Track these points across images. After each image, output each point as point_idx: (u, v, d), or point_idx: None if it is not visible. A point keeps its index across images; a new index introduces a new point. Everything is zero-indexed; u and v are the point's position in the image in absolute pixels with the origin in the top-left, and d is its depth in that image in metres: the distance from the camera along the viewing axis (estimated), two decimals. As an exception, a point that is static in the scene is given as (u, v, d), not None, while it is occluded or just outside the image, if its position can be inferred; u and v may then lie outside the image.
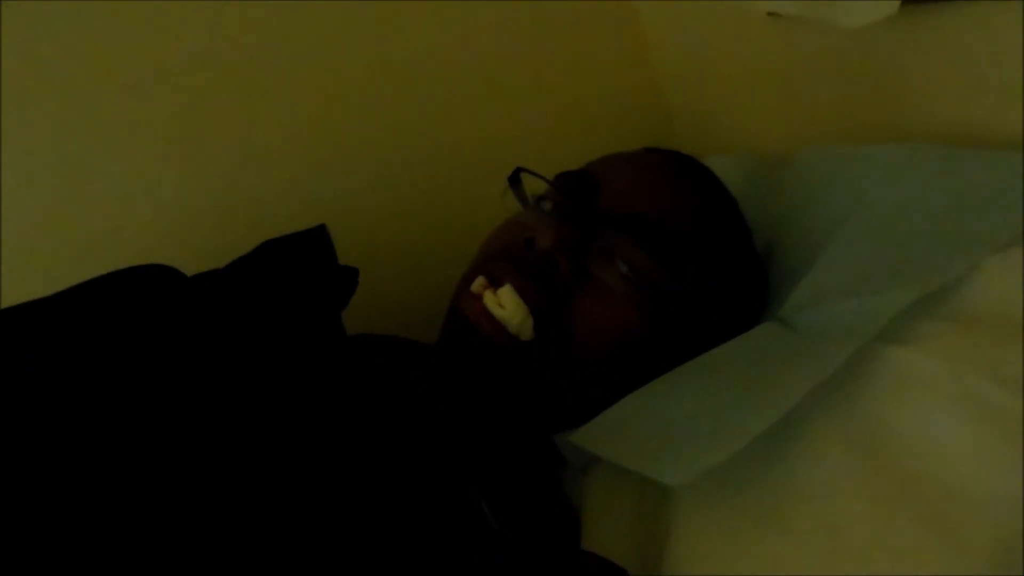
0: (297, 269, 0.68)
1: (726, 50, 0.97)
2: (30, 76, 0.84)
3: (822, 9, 0.75)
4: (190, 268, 0.68)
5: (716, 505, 0.52)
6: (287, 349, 0.61)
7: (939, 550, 0.46)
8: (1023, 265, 0.55)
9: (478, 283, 0.65)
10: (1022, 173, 0.60)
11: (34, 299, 0.61)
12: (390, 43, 0.97)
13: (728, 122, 1.03)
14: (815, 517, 0.49)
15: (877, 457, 0.50)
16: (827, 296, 0.63)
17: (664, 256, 0.65)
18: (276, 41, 0.92)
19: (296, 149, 0.94)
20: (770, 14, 0.87)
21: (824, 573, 0.47)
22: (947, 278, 0.58)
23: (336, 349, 0.63)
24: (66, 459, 0.50)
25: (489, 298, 0.64)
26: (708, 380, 0.60)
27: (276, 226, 0.73)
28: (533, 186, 0.72)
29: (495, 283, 0.65)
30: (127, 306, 0.61)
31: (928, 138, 0.76)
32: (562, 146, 1.02)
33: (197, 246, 0.87)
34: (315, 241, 0.70)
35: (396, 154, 0.98)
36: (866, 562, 0.46)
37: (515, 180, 0.71)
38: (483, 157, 1.00)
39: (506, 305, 0.63)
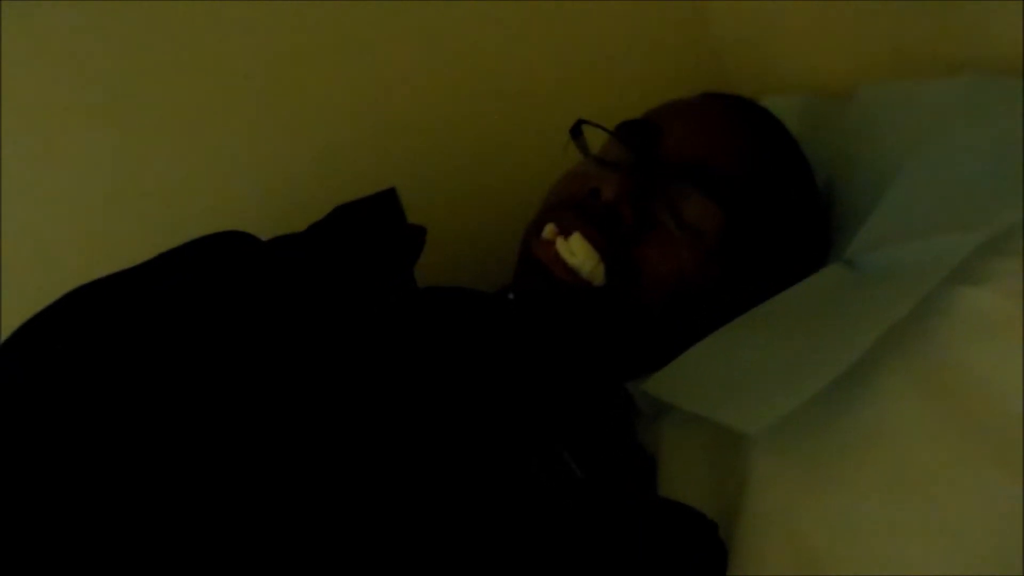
0: (369, 230, 0.70)
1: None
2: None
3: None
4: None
5: (789, 451, 0.54)
6: (366, 307, 0.64)
7: (1017, 490, 0.46)
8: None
9: (548, 230, 0.67)
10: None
11: (116, 272, 0.64)
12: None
13: (781, 59, 1.01)
14: (889, 461, 0.50)
15: (951, 399, 0.51)
16: (893, 237, 0.63)
17: (727, 203, 0.66)
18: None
19: (359, 106, 0.95)
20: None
21: (898, 518, 0.48)
22: (1016, 217, 0.57)
23: (411, 304, 0.65)
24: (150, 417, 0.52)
25: (561, 245, 0.66)
26: (778, 326, 0.61)
27: (343, 186, 0.74)
28: (593, 135, 0.73)
29: (564, 231, 0.66)
30: (209, 274, 0.64)
31: (999, 70, 0.74)
32: (611, 88, 1.03)
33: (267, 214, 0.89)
34: (385, 203, 0.72)
35: (450, 108, 0.98)
36: (942, 506, 0.47)
37: (576, 131, 0.71)
38: (535, 103, 1.00)
39: (577, 252, 0.65)
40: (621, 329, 0.67)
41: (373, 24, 0.94)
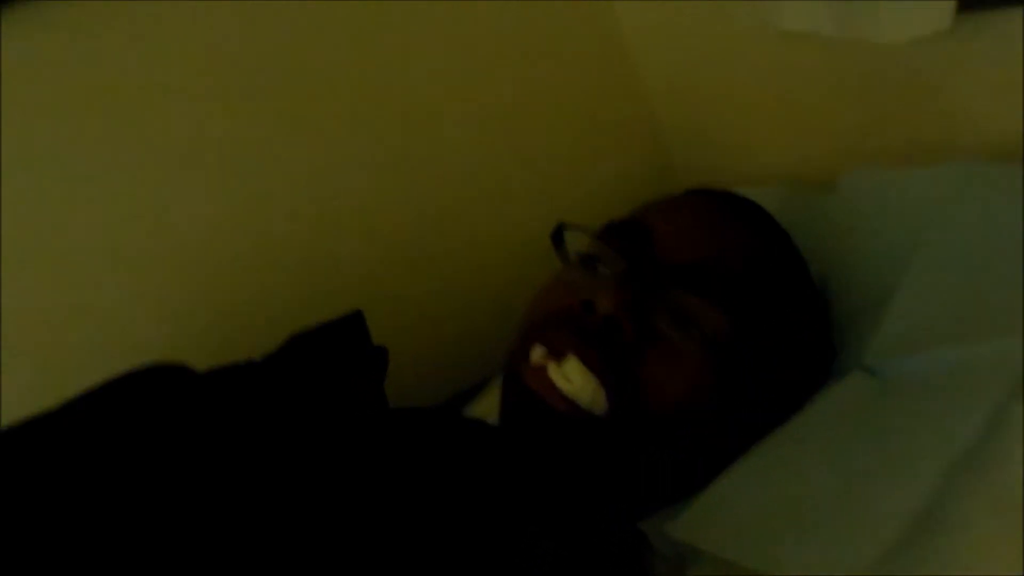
0: (326, 358, 0.61)
1: (730, 74, 0.92)
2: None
3: (861, 26, 0.69)
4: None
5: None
6: (327, 442, 0.56)
7: None
8: None
9: (538, 354, 0.59)
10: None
11: (40, 413, 0.57)
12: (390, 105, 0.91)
13: (734, 152, 0.97)
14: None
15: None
16: (921, 341, 0.58)
17: (733, 305, 0.59)
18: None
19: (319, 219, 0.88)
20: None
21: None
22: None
23: (382, 433, 0.58)
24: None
25: (554, 371, 0.58)
26: (817, 451, 0.54)
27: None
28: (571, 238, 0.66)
29: (555, 353, 0.58)
30: (138, 413, 0.57)
31: (974, 156, 0.72)
32: (563, 191, 0.98)
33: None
34: (347, 328, 0.63)
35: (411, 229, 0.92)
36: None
37: (558, 237, 0.64)
38: (483, 204, 0.94)
39: (574, 379, 0.57)
40: (627, 460, 0.59)
41: (330, 128, 0.88)
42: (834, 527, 0.47)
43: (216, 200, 0.84)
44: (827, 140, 0.86)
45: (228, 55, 0.84)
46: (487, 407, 0.83)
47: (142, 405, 0.59)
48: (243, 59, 0.84)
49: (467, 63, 0.93)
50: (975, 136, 0.72)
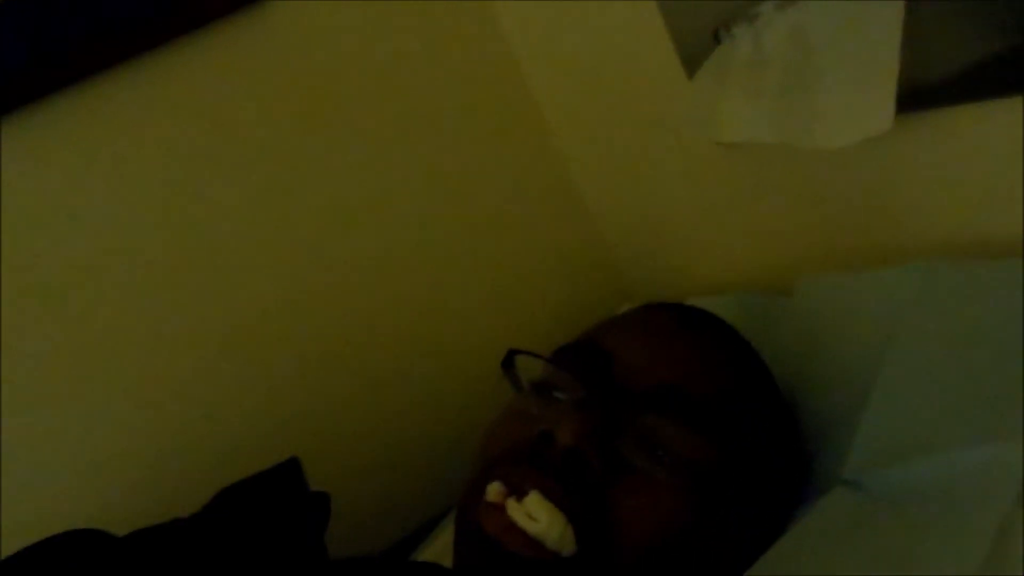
0: (260, 514, 0.55)
1: (675, 189, 0.92)
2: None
3: (800, 133, 0.69)
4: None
5: None
6: None
7: None
8: None
9: (494, 491, 0.54)
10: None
11: None
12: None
13: (683, 264, 0.96)
14: None
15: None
16: (903, 449, 0.55)
17: (707, 428, 0.55)
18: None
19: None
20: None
21: None
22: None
23: None
24: None
25: (514, 509, 0.52)
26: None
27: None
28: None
29: (514, 491, 0.53)
30: None
31: (923, 255, 0.71)
32: (511, 314, 0.95)
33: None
34: (282, 477, 0.57)
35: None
36: None
37: (509, 363, 0.60)
38: (429, 331, 0.91)
39: (539, 517, 0.52)
40: None
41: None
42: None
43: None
44: (778, 247, 0.84)
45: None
46: (439, 550, 0.77)
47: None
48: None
49: (415, 190, 0.92)
50: (926, 236, 0.71)
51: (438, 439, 0.87)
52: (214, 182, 0.83)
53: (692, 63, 0.80)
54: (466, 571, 0.56)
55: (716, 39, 0.77)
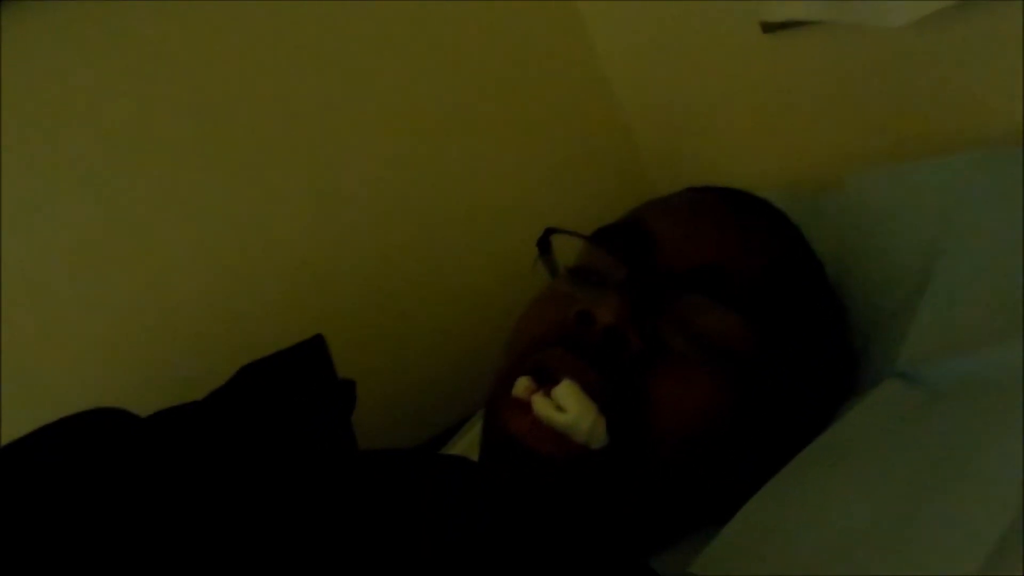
0: (286, 392, 0.53)
1: (714, 82, 0.87)
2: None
3: (860, 9, 0.64)
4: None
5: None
6: (287, 484, 0.48)
7: None
8: None
9: (522, 386, 0.51)
10: None
11: None
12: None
13: (720, 162, 0.92)
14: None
15: None
16: (963, 341, 0.52)
17: (750, 311, 0.52)
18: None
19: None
20: (765, 27, 0.77)
21: None
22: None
23: (350, 474, 0.49)
24: None
25: (541, 404, 0.49)
26: (861, 473, 0.47)
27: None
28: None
29: (545, 378, 0.51)
30: (74, 463, 0.50)
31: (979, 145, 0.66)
32: (537, 213, 0.92)
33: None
34: (306, 356, 0.55)
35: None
36: None
37: (545, 244, 0.57)
38: (455, 227, 0.88)
39: (568, 407, 0.49)
40: (633, 495, 0.51)
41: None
42: (896, 560, 0.40)
43: (195, 220, 0.79)
44: (821, 142, 0.80)
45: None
46: (466, 447, 0.75)
47: (79, 453, 0.51)
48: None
49: (443, 87, 0.89)
50: (985, 127, 0.67)
51: (466, 337, 0.85)
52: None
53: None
54: (492, 468, 0.53)
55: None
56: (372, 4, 0.84)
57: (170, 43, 0.78)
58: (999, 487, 0.40)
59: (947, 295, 0.55)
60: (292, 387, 0.54)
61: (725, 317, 0.52)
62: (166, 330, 0.76)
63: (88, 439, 0.52)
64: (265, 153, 0.81)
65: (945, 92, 0.68)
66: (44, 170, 0.74)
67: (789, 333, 0.54)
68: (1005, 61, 0.63)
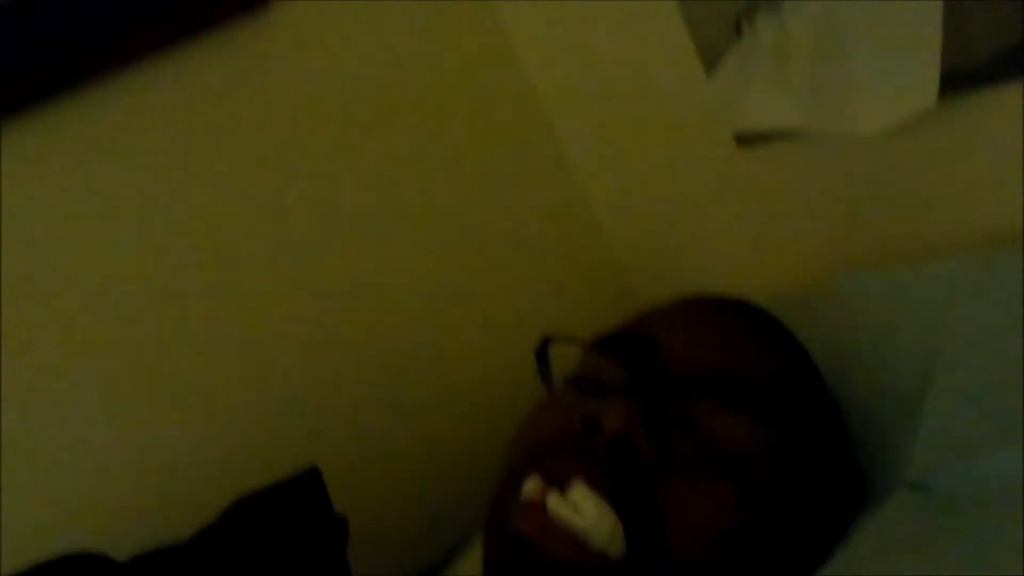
0: (277, 531, 0.50)
1: (691, 195, 0.88)
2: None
3: (832, 118, 0.66)
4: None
5: None
6: None
7: None
8: None
9: (533, 486, 0.48)
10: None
11: None
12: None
13: (699, 273, 0.92)
14: None
15: None
16: (972, 446, 0.51)
17: (756, 413, 0.51)
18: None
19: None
20: (740, 140, 0.79)
21: None
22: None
23: None
24: None
25: (557, 503, 0.47)
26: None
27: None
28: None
29: (553, 481, 0.48)
30: None
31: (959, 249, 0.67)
32: (520, 326, 0.91)
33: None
34: (302, 488, 0.52)
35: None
36: None
37: (542, 353, 0.56)
38: (444, 345, 0.88)
39: (584, 510, 0.46)
40: None
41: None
42: None
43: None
44: (800, 249, 0.81)
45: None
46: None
47: None
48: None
49: (422, 197, 0.90)
50: (967, 231, 0.68)
51: (461, 457, 0.83)
52: (218, 187, 0.79)
53: (711, 58, 0.77)
54: None
55: (738, 31, 0.74)
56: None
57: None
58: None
59: (950, 400, 0.54)
60: (287, 523, 0.51)
61: (735, 421, 0.51)
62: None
63: None
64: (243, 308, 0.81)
65: (931, 193, 0.69)
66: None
67: (797, 437, 0.53)
68: (988, 159, 0.64)
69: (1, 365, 0.70)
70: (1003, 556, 0.42)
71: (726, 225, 0.87)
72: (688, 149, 0.86)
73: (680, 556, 0.48)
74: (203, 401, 0.77)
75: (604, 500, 0.46)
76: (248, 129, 0.81)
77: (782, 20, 0.70)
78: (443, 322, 0.88)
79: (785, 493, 0.51)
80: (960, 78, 0.61)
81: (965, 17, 0.59)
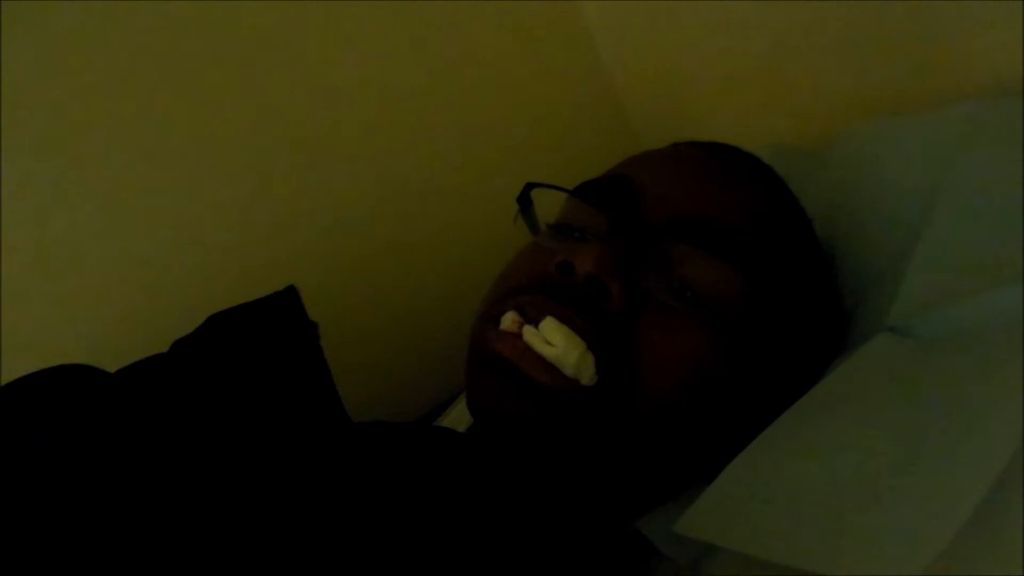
0: (255, 340, 0.52)
1: (699, 42, 0.85)
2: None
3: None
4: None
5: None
6: (263, 436, 0.47)
7: None
8: None
9: (509, 319, 0.50)
10: None
11: None
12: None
13: (711, 126, 0.90)
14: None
15: None
16: (956, 291, 0.50)
17: (741, 262, 0.51)
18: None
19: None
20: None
21: None
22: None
23: (335, 446, 0.47)
24: None
25: (531, 333, 0.49)
26: (850, 425, 0.45)
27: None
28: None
29: (530, 319, 0.50)
30: (37, 420, 0.48)
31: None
32: (521, 168, 0.90)
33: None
34: (279, 306, 0.53)
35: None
36: None
37: (525, 199, 0.55)
38: (443, 180, 0.86)
39: (556, 341, 0.48)
40: (620, 446, 0.50)
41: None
42: (886, 513, 0.38)
43: (190, 199, 0.78)
44: (816, 100, 0.78)
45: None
46: (453, 422, 0.74)
47: (44, 410, 0.49)
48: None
49: (435, 55, 0.88)
50: (980, 80, 0.65)
51: (453, 308, 0.84)
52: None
53: None
54: (479, 410, 0.51)
55: None
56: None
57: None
58: (996, 433, 0.38)
59: (938, 248, 0.53)
60: (261, 333, 0.53)
61: (710, 266, 0.50)
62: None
63: (54, 395, 0.50)
64: (255, 136, 0.80)
65: (934, 48, 0.66)
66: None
67: (777, 285, 0.52)
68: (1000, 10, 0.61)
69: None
70: (980, 390, 0.42)
71: (737, 68, 0.84)
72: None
73: (650, 390, 0.49)
74: (208, 218, 0.78)
75: (572, 332, 0.47)
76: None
77: None
78: (442, 165, 0.87)
79: (760, 338, 0.51)
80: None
81: None
